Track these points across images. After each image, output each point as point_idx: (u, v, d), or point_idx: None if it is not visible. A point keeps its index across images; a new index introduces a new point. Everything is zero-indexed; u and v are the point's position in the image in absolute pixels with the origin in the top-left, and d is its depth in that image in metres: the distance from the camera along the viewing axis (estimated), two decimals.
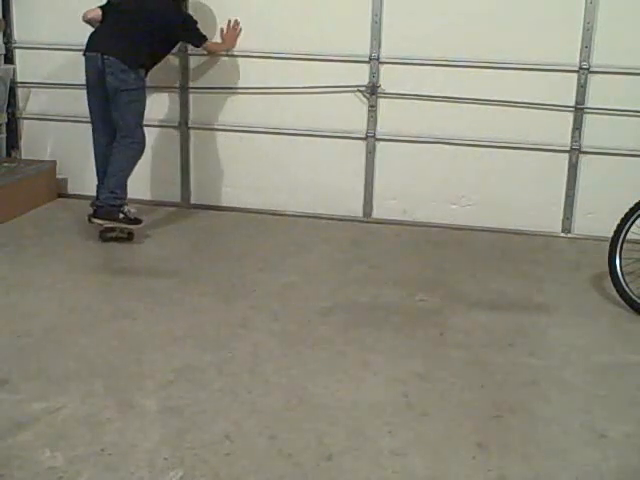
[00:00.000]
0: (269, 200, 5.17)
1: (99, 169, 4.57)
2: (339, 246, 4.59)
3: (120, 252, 4.35)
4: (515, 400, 2.81)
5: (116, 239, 4.42)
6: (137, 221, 4.49)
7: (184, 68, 5.12)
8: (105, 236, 4.42)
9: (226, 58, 5.03)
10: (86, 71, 4.43)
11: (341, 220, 5.03)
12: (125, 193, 4.46)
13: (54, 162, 5.38)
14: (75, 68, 5.26)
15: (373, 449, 2.48)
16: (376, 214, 5.11)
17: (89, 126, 5.39)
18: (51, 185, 5.34)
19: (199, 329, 3.35)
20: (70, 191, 5.43)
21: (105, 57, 4.28)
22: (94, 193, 5.35)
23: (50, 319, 3.42)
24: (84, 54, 4.41)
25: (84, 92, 4.98)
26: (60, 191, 5.40)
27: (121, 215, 4.39)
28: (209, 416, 2.65)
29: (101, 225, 4.41)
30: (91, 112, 4.50)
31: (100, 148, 4.54)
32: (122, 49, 4.30)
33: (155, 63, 4.56)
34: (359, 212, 5.11)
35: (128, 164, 4.45)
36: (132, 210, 4.49)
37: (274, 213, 5.13)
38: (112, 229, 4.42)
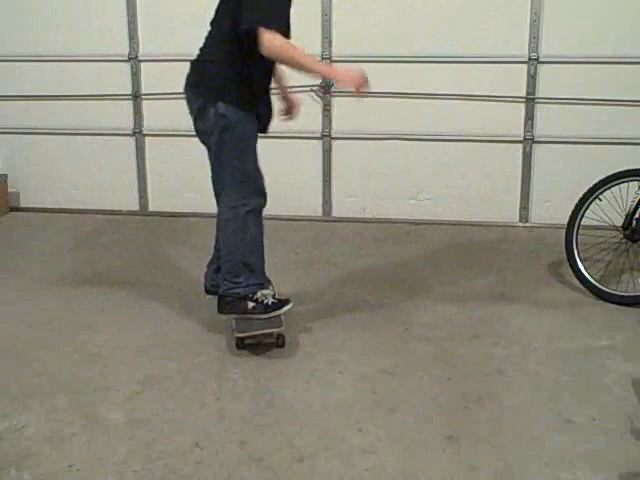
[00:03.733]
0: None
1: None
2: (300, 246, 4.58)
3: (79, 264, 4.28)
4: (482, 391, 2.84)
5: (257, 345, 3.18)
6: (279, 305, 3.17)
7: (135, 75, 5.06)
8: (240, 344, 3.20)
9: (178, 63, 4.98)
10: None
11: (301, 220, 5.03)
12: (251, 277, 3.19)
13: (5, 175, 5.28)
14: (26, 78, 5.21)
15: (344, 448, 2.48)
16: (335, 213, 5.12)
17: (40, 138, 5.35)
18: (2, 199, 5.24)
19: (163, 338, 3.31)
20: (23, 204, 5.34)
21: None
22: (48, 205, 5.32)
23: (9, 335, 3.35)
24: None
25: (34, 103, 4.93)
26: (12, 205, 5.31)
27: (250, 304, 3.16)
28: (177, 425, 2.62)
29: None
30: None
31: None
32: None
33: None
34: (318, 211, 5.11)
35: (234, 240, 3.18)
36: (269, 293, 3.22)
37: None
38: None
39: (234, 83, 3.02)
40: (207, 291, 3.42)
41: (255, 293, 3.12)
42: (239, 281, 3.13)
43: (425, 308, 3.60)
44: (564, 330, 3.37)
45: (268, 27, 2.86)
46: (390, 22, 4.75)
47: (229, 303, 3.16)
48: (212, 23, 3.15)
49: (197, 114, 3.09)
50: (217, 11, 3.13)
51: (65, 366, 3.05)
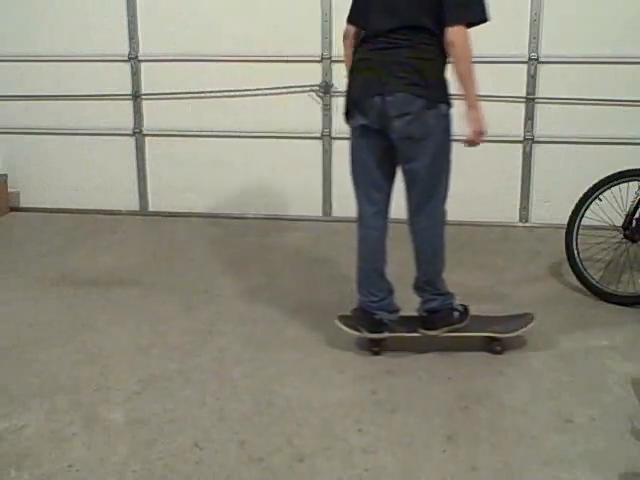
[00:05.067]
0: (228, 204, 5.15)
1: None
2: (301, 246, 4.58)
3: (79, 264, 4.28)
4: (482, 390, 2.84)
5: None
6: (466, 311, 3.15)
7: (135, 75, 5.06)
8: None
9: (179, 63, 4.99)
10: None
11: (301, 220, 5.03)
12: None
13: (5, 175, 5.28)
14: (26, 78, 5.20)
15: (344, 448, 2.48)
16: (336, 213, 5.12)
17: (39, 138, 5.33)
18: (2, 199, 5.24)
19: (164, 338, 3.31)
20: (23, 204, 5.34)
21: None
22: (48, 205, 5.31)
23: (9, 335, 3.35)
24: None
25: (34, 103, 4.92)
26: (12, 205, 5.31)
27: (456, 313, 3.12)
28: (177, 425, 2.62)
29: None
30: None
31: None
32: None
33: None
34: (319, 211, 5.11)
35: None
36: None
37: (234, 217, 5.10)
38: None
39: (446, 83, 2.87)
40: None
41: (454, 301, 3.11)
42: (443, 292, 3.09)
43: None
44: (564, 330, 3.37)
45: (465, 26, 2.76)
46: None
47: (443, 317, 3.07)
48: (385, 19, 2.83)
49: (413, 116, 2.80)
50: (389, 6, 2.82)
51: (65, 366, 3.05)
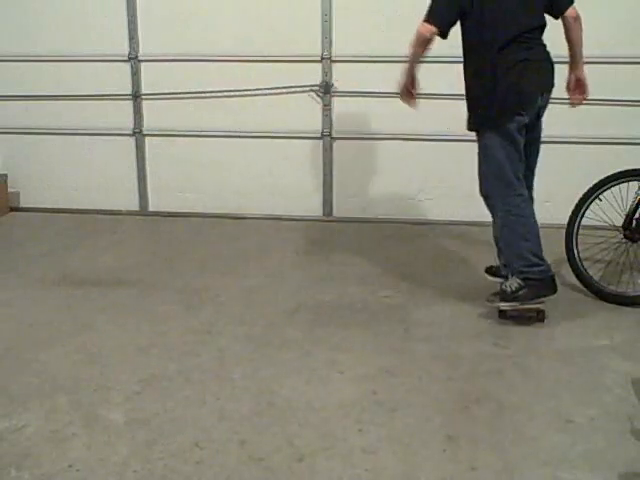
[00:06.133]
0: (228, 204, 5.15)
1: None
2: (301, 246, 4.58)
3: (79, 264, 4.28)
4: (482, 390, 2.84)
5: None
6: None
7: (135, 75, 5.07)
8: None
9: (179, 63, 4.99)
10: None
11: (302, 220, 5.03)
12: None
13: (5, 175, 5.28)
14: (26, 78, 5.21)
15: (344, 448, 2.48)
16: (336, 213, 5.13)
17: (40, 138, 5.34)
18: (2, 199, 5.24)
19: (164, 338, 3.31)
20: (23, 204, 5.35)
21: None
22: (48, 205, 5.33)
23: (9, 336, 3.35)
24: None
25: (34, 103, 4.91)
26: (12, 205, 5.31)
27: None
28: (177, 425, 2.62)
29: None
30: None
31: None
32: None
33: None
34: (319, 211, 5.12)
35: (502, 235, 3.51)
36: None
37: (234, 217, 5.11)
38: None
39: None
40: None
41: None
42: None
43: (425, 308, 3.60)
44: (564, 330, 3.37)
45: None
46: (390, 22, 4.75)
47: None
48: (523, 22, 3.28)
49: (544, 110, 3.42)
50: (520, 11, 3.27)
51: (65, 366, 3.05)
